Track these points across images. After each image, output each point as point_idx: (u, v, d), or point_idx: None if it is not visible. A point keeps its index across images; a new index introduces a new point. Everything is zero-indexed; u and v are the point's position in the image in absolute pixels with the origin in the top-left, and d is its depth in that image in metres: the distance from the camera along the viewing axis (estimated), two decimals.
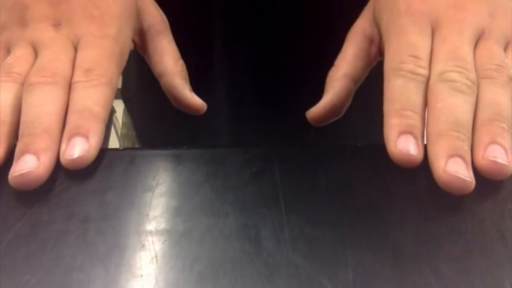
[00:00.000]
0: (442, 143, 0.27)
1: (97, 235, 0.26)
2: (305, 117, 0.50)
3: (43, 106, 0.29)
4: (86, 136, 0.28)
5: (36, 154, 0.27)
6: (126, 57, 0.34)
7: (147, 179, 0.29)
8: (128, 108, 0.61)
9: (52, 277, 0.24)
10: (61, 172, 0.28)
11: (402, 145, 0.28)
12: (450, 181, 0.26)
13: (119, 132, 0.67)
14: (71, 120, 0.29)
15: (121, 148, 0.46)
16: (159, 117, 0.55)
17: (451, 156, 0.27)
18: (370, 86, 0.47)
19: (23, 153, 0.27)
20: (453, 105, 0.28)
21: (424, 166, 0.29)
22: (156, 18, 0.37)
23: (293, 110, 0.49)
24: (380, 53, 0.36)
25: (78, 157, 0.28)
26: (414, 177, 0.29)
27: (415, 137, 0.28)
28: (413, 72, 0.29)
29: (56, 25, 0.32)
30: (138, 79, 0.54)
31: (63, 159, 0.28)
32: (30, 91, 0.29)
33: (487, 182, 0.27)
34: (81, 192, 0.28)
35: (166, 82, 0.36)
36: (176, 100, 0.36)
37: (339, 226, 0.26)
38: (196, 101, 0.36)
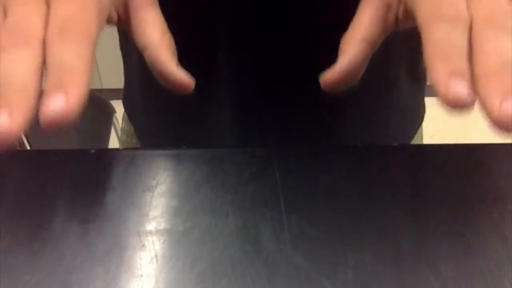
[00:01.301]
0: (494, 83, 0.26)
1: (97, 235, 0.26)
2: (310, 120, 0.50)
3: (17, 67, 0.27)
4: (65, 91, 0.26)
5: (9, 111, 0.26)
6: (105, 16, 0.31)
7: (147, 179, 0.29)
8: (129, 114, 0.61)
9: (52, 277, 0.24)
10: (61, 172, 0.28)
11: (455, 88, 0.27)
12: (506, 121, 0.26)
13: (119, 132, 0.67)
14: (49, 77, 0.27)
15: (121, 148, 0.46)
16: (162, 123, 0.54)
17: (506, 95, 0.26)
18: (371, 86, 0.47)
19: None
20: (502, 47, 0.27)
21: (424, 166, 0.29)
22: None
23: (299, 113, 0.49)
24: (397, 21, 0.35)
25: (58, 114, 0.26)
26: (414, 177, 0.29)
27: (467, 80, 0.27)
28: (455, 17, 0.29)
29: None
30: (140, 84, 0.53)
31: (42, 118, 0.26)
32: (1, 53, 0.28)
33: (488, 182, 0.27)
34: (81, 192, 0.28)
35: (150, 55, 0.33)
36: (160, 76, 0.34)
37: (339, 226, 0.26)
38: (182, 76, 0.32)
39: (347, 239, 0.25)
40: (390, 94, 0.51)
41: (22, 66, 0.27)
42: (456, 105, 0.27)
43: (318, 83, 0.44)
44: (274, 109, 0.50)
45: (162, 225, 0.26)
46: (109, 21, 0.33)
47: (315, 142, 0.49)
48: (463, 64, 0.27)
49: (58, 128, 0.26)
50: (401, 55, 0.48)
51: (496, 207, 0.27)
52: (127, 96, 0.59)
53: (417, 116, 0.57)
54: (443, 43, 0.28)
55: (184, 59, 0.38)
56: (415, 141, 0.57)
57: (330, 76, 0.34)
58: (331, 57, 0.41)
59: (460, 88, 0.26)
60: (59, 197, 0.27)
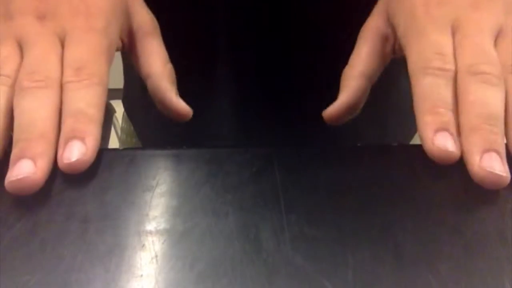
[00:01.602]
0: (475, 138, 0.27)
1: (97, 235, 0.26)
2: (310, 120, 0.50)
3: (37, 111, 0.28)
4: (82, 139, 0.28)
5: (33, 159, 0.27)
6: (114, 53, 0.33)
7: (147, 179, 0.29)
8: (129, 114, 0.61)
9: (52, 277, 0.24)
10: (61, 173, 0.28)
11: (440, 142, 0.28)
12: (485, 177, 0.26)
13: (119, 132, 0.66)
14: (67, 124, 0.29)
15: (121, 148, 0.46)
16: (162, 122, 0.54)
17: (485, 151, 0.27)
18: (371, 89, 0.47)
19: (19, 158, 0.27)
20: (484, 98, 0.28)
21: (424, 166, 0.29)
22: (146, 19, 0.36)
23: (299, 113, 0.49)
24: (394, 52, 0.36)
25: (76, 161, 0.28)
26: (414, 177, 0.29)
27: (451, 134, 0.28)
28: (441, 69, 0.29)
29: (41, 18, 0.31)
30: (140, 83, 0.53)
31: (61, 164, 0.28)
32: (22, 96, 0.29)
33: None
34: (81, 192, 0.28)
35: (152, 84, 0.35)
36: (161, 104, 0.35)
37: (339, 226, 0.26)
38: (181, 105, 0.35)
39: (347, 239, 0.25)
40: (390, 93, 0.51)
41: (43, 109, 0.28)
42: (441, 158, 0.28)
43: (317, 83, 0.44)
44: (274, 109, 0.50)
45: (162, 225, 0.26)
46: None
47: (315, 142, 0.49)
48: (448, 116, 0.28)
49: (75, 172, 0.28)
50: (402, 55, 0.48)
51: (496, 207, 0.27)
52: (127, 95, 0.59)
53: None
54: (430, 96, 0.29)
55: (184, 59, 0.39)
56: (415, 141, 0.57)
57: (331, 111, 0.35)
58: (331, 56, 0.41)
59: (444, 144, 0.27)
60: (59, 197, 0.27)
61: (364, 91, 0.35)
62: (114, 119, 1.21)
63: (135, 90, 0.56)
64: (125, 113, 0.62)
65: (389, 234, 0.26)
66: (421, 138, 0.29)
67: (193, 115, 0.51)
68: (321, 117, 0.48)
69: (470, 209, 0.27)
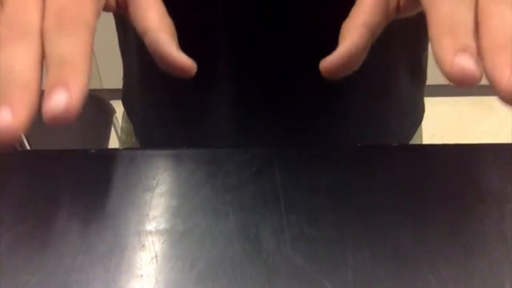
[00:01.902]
0: (505, 55, 0.26)
1: (97, 235, 0.26)
2: (310, 120, 0.50)
3: (16, 60, 0.27)
4: (67, 88, 0.26)
5: (11, 106, 0.26)
6: (102, 2, 0.31)
7: (147, 179, 0.29)
8: (129, 113, 0.61)
9: (52, 277, 0.24)
10: (61, 173, 0.28)
11: (461, 62, 0.26)
12: None
13: (119, 132, 0.66)
14: (50, 73, 0.27)
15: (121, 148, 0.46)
16: (162, 124, 0.54)
17: None
18: (370, 85, 0.47)
19: None
20: (508, 21, 0.27)
21: (424, 166, 0.29)
22: None
23: (299, 113, 0.49)
24: (398, 9, 0.35)
25: (61, 110, 0.26)
26: (414, 177, 0.29)
27: (472, 55, 0.27)
28: None
29: None
30: (139, 82, 0.53)
31: (45, 115, 0.26)
32: (1, 47, 0.28)
33: (488, 182, 0.27)
34: (81, 192, 0.28)
35: (150, 39, 0.32)
36: (161, 59, 0.33)
37: (339, 226, 0.26)
38: (184, 59, 0.32)
39: (347, 239, 0.25)
40: (390, 92, 0.51)
41: (22, 60, 0.27)
42: (463, 80, 0.26)
43: (318, 83, 0.44)
44: (274, 109, 0.50)
45: (162, 225, 0.26)
46: (107, 7, 0.33)
47: (315, 142, 0.49)
48: (469, 39, 0.27)
49: (61, 124, 0.26)
50: (401, 53, 0.48)
51: (496, 207, 0.27)
52: (126, 94, 0.59)
53: (416, 114, 0.57)
54: (448, 19, 0.27)
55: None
56: (415, 141, 0.57)
57: (329, 62, 0.33)
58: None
59: (466, 63, 0.26)
60: (59, 197, 0.27)
61: (366, 43, 0.34)
62: (114, 119, 1.21)
63: (134, 89, 0.56)
64: (125, 113, 0.62)
65: (389, 234, 0.26)
66: (438, 62, 0.27)
67: (193, 115, 0.50)
68: (322, 116, 0.48)
69: (470, 209, 0.27)
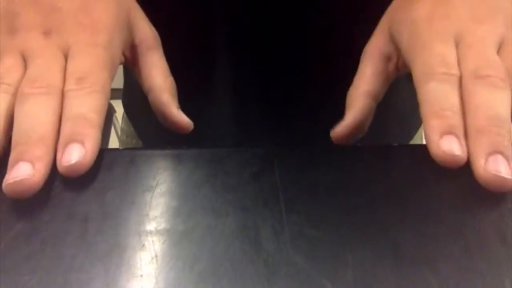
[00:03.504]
0: (482, 140, 0.27)
1: (97, 235, 0.26)
2: (310, 120, 0.50)
3: (37, 116, 0.29)
4: (82, 142, 0.28)
5: (31, 161, 0.27)
6: (116, 67, 0.34)
7: (147, 179, 0.29)
8: (129, 114, 0.61)
9: (52, 277, 0.24)
10: (60, 174, 0.28)
11: (446, 146, 0.28)
12: (491, 180, 0.26)
13: (119, 132, 0.66)
14: (66, 127, 0.29)
15: (121, 148, 0.46)
16: (162, 125, 0.54)
17: (491, 153, 0.27)
18: None
19: (17, 161, 0.27)
20: (490, 100, 0.28)
21: (424, 166, 0.29)
22: (147, 33, 0.36)
23: (299, 113, 0.49)
24: (398, 70, 0.36)
25: (75, 163, 0.28)
26: (414, 177, 0.29)
27: (458, 137, 0.28)
28: (446, 73, 0.30)
29: (46, 33, 0.32)
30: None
31: (60, 167, 0.28)
32: (23, 102, 0.29)
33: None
34: (81, 192, 0.28)
35: (153, 98, 0.36)
36: (162, 117, 0.36)
37: (339, 226, 0.26)
38: (182, 119, 0.36)
39: (347, 239, 0.25)
40: (389, 94, 0.51)
41: (43, 114, 0.29)
42: (448, 162, 0.28)
43: (317, 83, 0.44)
44: (274, 109, 0.50)
45: (162, 225, 0.26)
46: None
47: (315, 142, 0.49)
48: (455, 119, 0.28)
49: (75, 175, 0.27)
50: None
51: (496, 207, 0.27)
52: (126, 95, 0.59)
53: (416, 118, 0.57)
54: (436, 100, 0.29)
55: (183, 59, 0.39)
56: (415, 141, 0.57)
57: (339, 132, 0.36)
58: (332, 56, 0.41)
59: (451, 144, 0.27)
60: (59, 197, 0.27)
61: (370, 110, 0.36)
62: (114, 119, 1.21)
63: (135, 91, 0.56)
64: (125, 114, 0.62)
65: (389, 234, 0.26)
66: (427, 142, 0.29)
67: (193, 116, 0.51)
68: (322, 116, 0.48)
69: (470, 209, 0.27)
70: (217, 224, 0.26)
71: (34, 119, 0.28)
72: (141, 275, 0.24)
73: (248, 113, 0.50)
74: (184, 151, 0.31)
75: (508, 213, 0.27)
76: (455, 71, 0.30)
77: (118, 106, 0.64)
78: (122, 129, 0.65)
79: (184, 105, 0.49)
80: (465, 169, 0.28)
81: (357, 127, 0.36)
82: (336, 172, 0.29)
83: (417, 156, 0.30)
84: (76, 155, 0.28)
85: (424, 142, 0.30)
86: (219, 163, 0.30)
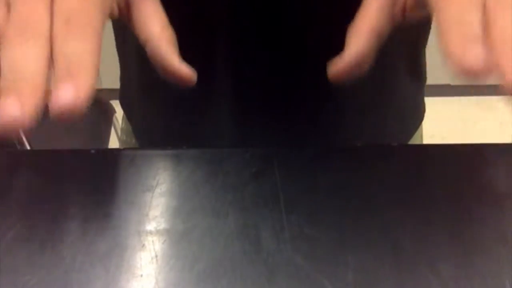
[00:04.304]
0: (509, 51, 0.26)
1: (97, 235, 0.26)
2: (310, 120, 0.50)
3: (25, 58, 0.27)
4: (75, 82, 0.26)
5: (19, 98, 0.26)
6: (108, 8, 0.31)
7: (147, 179, 0.29)
8: (128, 115, 0.61)
9: (52, 277, 0.24)
10: (61, 173, 0.28)
11: (471, 54, 0.26)
12: None
13: (119, 132, 0.66)
14: (58, 69, 0.27)
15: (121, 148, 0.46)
16: (161, 123, 0.54)
17: None
18: (369, 85, 0.47)
19: (5, 99, 0.25)
20: None
21: (424, 166, 0.29)
22: None
23: (299, 113, 0.49)
24: (404, 13, 0.35)
25: (68, 104, 0.26)
26: (414, 177, 0.29)
27: (482, 47, 0.26)
28: None
29: None
30: (138, 84, 0.53)
31: (52, 109, 0.26)
32: (9, 46, 0.27)
33: (488, 182, 0.27)
34: (81, 192, 0.28)
35: (151, 49, 0.33)
36: (162, 69, 0.34)
37: (339, 226, 0.26)
38: (184, 69, 0.33)
39: (347, 239, 0.25)
40: (389, 93, 0.51)
41: (31, 60, 0.27)
42: (474, 71, 0.26)
43: (318, 83, 0.44)
44: (274, 109, 0.50)
45: (162, 225, 0.26)
46: (110, 15, 0.33)
47: (315, 142, 0.49)
48: (478, 31, 0.27)
49: (67, 119, 0.26)
50: (401, 53, 0.48)
51: (496, 207, 0.27)
52: (124, 96, 0.59)
53: (417, 115, 0.57)
54: (457, 19, 0.27)
55: (183, 60, 0.38)
56: (415, 141, 0.57)
57: (337, 67, 0.33)
58: (332, 57, 0.41)
59: (476, 53, 0.26)
60: (59, 197, 0.27)
61: (373, 47, 0.34)
62: (114, 119, 1.21)
63: (133, 91, 0.56)
64: (124, 114, 0.62)
65: (389, 234, 0.26)
66: (449, 55, 0.27)
67: (193, 116, 0.50)
68: (322, 116, 0.48)
69: (470, 209, 0.27)
70: (217, 224, 0.26)
71: (22, 62, 0.27)
72: (141, 275, 0.24)
73: (248, 113, 0.50)
74: (184, 151, 0.31)
75: (508, 213, 0.27)
76: None
77: (118, 106, 0.64)
78: (122, 129, 0.64)
79: (183, 105, 0.49)
80: (466, 170, 0.28)
81: (358, 64, 0.34)
82: (336, 172, 0.29)
83: (417, 156, 0.30)
84: (69, 94, 0.26)
85: (424, 142, 0.30)
86: (219, 163, 0.30)
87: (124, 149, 0.32)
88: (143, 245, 0.25)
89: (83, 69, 0.27)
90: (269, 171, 0.29)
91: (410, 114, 0.56)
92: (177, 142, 0.52)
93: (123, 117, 0.62)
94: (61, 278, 0.24)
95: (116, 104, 1.17)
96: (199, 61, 0.49)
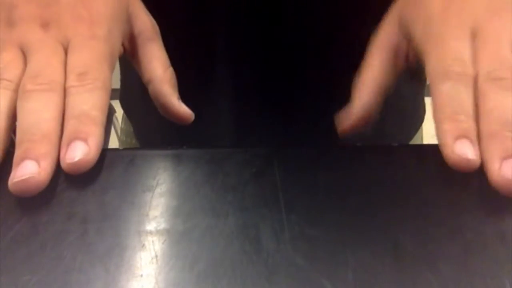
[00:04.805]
0: (495, 145, 0.27)
1: (97, 235, 0.26)
2: (310, 120, 0.50)
3: (40, 113, 0.29)
4: (85, 140, 0.28)
5: (37, 160, 0.27)
6: (116, 59, 0.34)
7: (147, 179, 0.29)
8: (128, 115, 0.61)
9: (52, 277, 0.24)
10: (61, 173, 0.28)
11: (460, 150, 0.27)
12: (506, 184, 0.26)
13: (119, 132, 0.66)
14: (70, 125, 0.29)
15: (121, 148, 0.46)
16: (161, 123, 0.54)
17: (505, 158, 0.27)
18: None
19: (23, 159, 0.27)
20: (503, 104, 0.28)
21: (424, 166, 0.29)
22: (147, 24, 0.36)
23: (298, 113, 0.49)
24: (408, 62, 0.36)
25: (79, 161, 0.28)
26: (414, 177, 0.29)
27: (471, 141, 0.28)
28: (460, 74, 0.29)
29: (45, 25, 0.31)
30: (139, 84, 0.53)
31: (64, 164, 0.28)
32: (26, 99, 0.29)
33: (487, 182, 0.27)
34: (81, 192, 0.28)
35: (153, 89, 0.36)
36: (163, 108, 0.36)
37: (339, 226, 0.26)
38: (183, 109, 0.35)
39: (347, 239, 0.25)
40: (390, 94, 0.51)
41: (46, 111, 0.29)
42: (462, 164, 0.27)
43: (317, 83, 0.44)
44: (273, 109, 0.50)
45: (162, 225, 0.26)
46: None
47: (315, 142, 0.49)
48: (469, 124, 0.28)
49: (78, 172, 0.28)
50: None
51: (496, 207, 0.27)
52: (124, 96, 0.59)
53: (417, 116, 0.57)
54: (450, 102, 0.29)
55: (183, 60, 0.39)
56: (415, 141, 0.57)
57: (345, 122, 0.35)
58: (331, 57, 0.41)
59: (465, 149, 0.27)
60: (59, 197, 0.27)
61: (378, 101, 0.35)
62: (114, 119, 1.21)
63: (132, 91, 0.56)
64: (124, 114, 0.62)
65: (389, 234, 0.26)
66: (440, 145, 0.28)
67: (193, 116, 0.50)
68: (322, 116, 0.48)
69: (470, 209, 0.27)
70: (217, 224, 0.26)
71: (38, 116, 0.29)
72: (141, 275, 0.24)
73: (248, 113, 0.50)
74: (184, 151, 0.31)
75: (508, 213, 0.27)
76: (470, 70, 0.29)
77: (118, 106, 0.64)
78: (122, 129, 0.65)
79: None
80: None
81: (364, 119, 0.35)
82: (336, 172, 0.29)
83: (417, 156, 0.30)
84: (80, 152, 0.28)
85: (424, 142, 0.30)
86: (219, 163, 0.30)
87: (124, 149, 0.32)
88: (143, 245, 0.25)
89: (92, 126, 0.29)
90: (269, 171, 0.29)
91: (410, 114, 0.56)
92: (177, 142, 0.52)
93: (123, 117, 0.62)
94: (61, 278, 0.24)
95: (116, 104, 1.17)
96: (199, 62, 0.49)
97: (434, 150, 0.30)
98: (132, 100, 0.57)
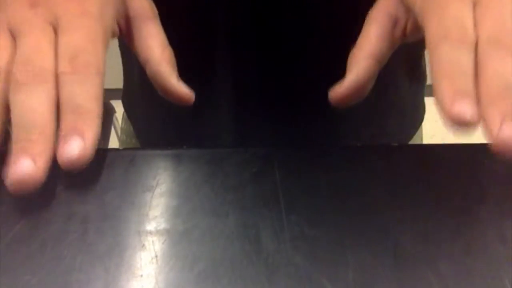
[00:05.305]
0: (494, 108, 0.27)
1: (97, 235, 0.26)
2: (310, 120, 0.50)
3: (35, 107, 0.28)
4: (82, 135, 0.28)
5: (33, 158, 0.27)
6: (110, 38, 0.32)
7: (147, 179, 0.29)
8: (129, 113, 0.61)
9: (52, 277, 0.24)
10: (61, 172, 0.28)
11: (458, 109, 0.27)
12: (505, 146, 0.26)
13: (119, 132, 0.66)
14: (65, 120, 0.28)
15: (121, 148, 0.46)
16: (161, 123, 0.54)
17: (504, 121, 0.26)
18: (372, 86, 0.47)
19: (18, 157, 0.27)
20: (504, 68, 0.28)
21: (424, 166, 0.29)
22: (144, 4, 0.35)
23: (298, 113, 0.49)
24: (405, 35, 0.35)
25: (76, 157, 0.27)
26: (414, 177, 0.29)
27: (470, 102, 0.27)
28: (461, 39, 0.29)
29: (33, 4, 0.30)
30: (140, 83, 0.53)
31: (60, 160, 0.28)
32: (18, 91, 0.28)
33: (488, 182, 0.27)
34: (81, 192, 0.28)
35: (151, 69, 0.34)
36: (162, 89, 0.34)
37: (339, 226, 0.26)
38: (183, 90, 0.33)
39: (347, 239, 0.25)
40: (389, 94, 0.51)
41: (39, 104, 0.28)
42: (460, 124, 0.27)
43: (317, 83, 0.44)
44: (273, 109, 0.50)
45: (162, 225, 0.26)
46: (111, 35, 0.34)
47: (315, 142, 0.49)
48: (468, 84, 0.27)
49: (75, 169, 0.28)
50: (401, 54, 0.48)
51: (496, 207, 0.27)
52: (126, 94, 0.59)
53: (417, 116, 0.57)
54: (449, 64, 0.28)
55: (183, 60, 0.39)
56: (415, 141, 0.57)
57: (338, 92, 0.34)
58: (331, 57, 0.41)
59: (464, 107, 0.27)
60: (59, 197, 0.27)
61: (373, 72, 0.34)
62: (114, 119, 1.21)
63: (134, 90, 0.56)
64: (125, 114, 0.62)
65: (389, 234, 0.26)
66: (438, 103, 0.28)
67: (193, 116, 0.50)
68: (321, 116, 0.48)
69: (470, 209, 0.27)
70: (217, 224, 0.26)
71: (33, 112, 0.28)
72: (141, 275, 0.24)
73: (248, 113, 0.50)
74: (184, 151, 0.31)
75: (508, 213, 0.27)
76: (470, 35, 0.29)
77: (118, 106, 0.64)
78: (122, 129, 0.65)
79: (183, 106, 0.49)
80: (466, 170, 0.28)
81: (358, 90, 0.34)
82: (336, 172, 0.29)
83: (417, 156, 0.30)
84: (77, 148, 0.27)
85: (424, 142, 0.30)
86: (219, 163, 0.30)
87: (124, 149, 0.32)
88: (143, 245, 0.25)
89: (88, 120, 0.28)
90: (269, 171, 0.29)
91: (410, 114, 0.56)
92: (177, 142, 0.52)
93: (123, 117, 0.62)
94: (61, 278, 0.24)
95: (116, 104, 1.17)
96: (199, 62, 0.49)
97: (434, 150, 0.30)
98: (133, 99, 0.57)
